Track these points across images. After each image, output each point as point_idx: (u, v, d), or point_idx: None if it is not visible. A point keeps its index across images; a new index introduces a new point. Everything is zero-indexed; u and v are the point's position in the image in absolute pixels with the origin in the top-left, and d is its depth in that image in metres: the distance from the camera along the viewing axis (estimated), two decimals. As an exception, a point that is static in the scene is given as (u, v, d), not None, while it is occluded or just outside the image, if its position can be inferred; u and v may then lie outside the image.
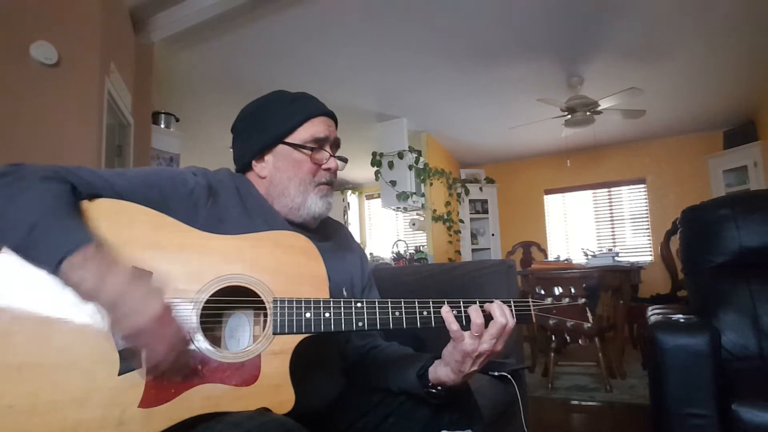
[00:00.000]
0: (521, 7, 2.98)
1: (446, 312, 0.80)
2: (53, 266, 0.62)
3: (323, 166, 0.93)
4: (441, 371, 0.84)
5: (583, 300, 0.89)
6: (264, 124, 0.93)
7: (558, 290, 0.90)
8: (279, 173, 0.92)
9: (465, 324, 0.81)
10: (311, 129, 0.92)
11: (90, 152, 2.12)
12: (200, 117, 4.53)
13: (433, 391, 0.86)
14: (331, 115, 0.97)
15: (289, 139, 0.91)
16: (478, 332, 0.79)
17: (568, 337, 0.91)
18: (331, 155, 0.94)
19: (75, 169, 0.74)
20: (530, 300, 0.88)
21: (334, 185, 0.97)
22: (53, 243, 0.63)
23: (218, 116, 4.52)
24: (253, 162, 0.94)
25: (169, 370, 0.66)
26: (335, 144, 0.96)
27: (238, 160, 0.97)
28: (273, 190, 0.92)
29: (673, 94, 4.48)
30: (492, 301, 0.82)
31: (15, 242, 0.64)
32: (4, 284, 0.65)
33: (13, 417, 0.61)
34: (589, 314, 0.88)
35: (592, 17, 3.12)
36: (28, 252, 0.64)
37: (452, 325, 0.79)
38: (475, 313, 0.80)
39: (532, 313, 0.87)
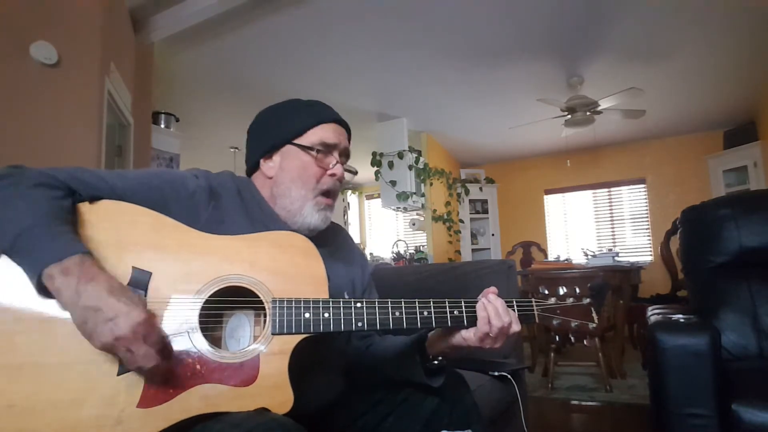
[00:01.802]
0: (521, 6, 2.98)
1: (482, 311, 0.82)
2: (36, 275, 0.62)
3: (329, 172, 0.92)
4: (439, 347, 0.88)
5: (588, 300, 0.88)
6: (275, 126, 0.94)
7: (562, 290, 0.89)
8: (284, 173, 0.92)
9: (467, 323, 0.82)
10: (321, 133, 0.92)
11: (90, 152, 2.12)
12: (200, 117, 4.52)
13: (435, 362, 0.89)
14: (344, 125, 0.97)
15: (297, 141, 0.92)
16: (494, 333, 0.82)
17: (572, 338, 0.91)
18: (338, 161, 0.94)
19: (76, 170, 0.74)
20: (533, 300, 0.88)
21: (336, 196, 0.97)
22: (36, 252, 0.63)
23: (218, 116, 4.52)
24: (261, 161, 0.94)
25: (151, 376, 0.65)
26: (344, 153, 0.96)
27: (248, 160, 0.98)
28: (276, 190, 0.92)
29: (673, 94, 4.48)
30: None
31: (2, 250, 0.64)
32: (5, 285, 0.65)
33: (14, 416, 0.61)
34: (594, 314, 0.88)
35: (592, 17, 3.12)
36: (14, 259, 0.64)
37: (484, 327, 0.82)
38: (494, 315, 0.82)
39: (535, 313, 0.87)
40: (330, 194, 0.94)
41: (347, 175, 1.08)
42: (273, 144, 0.93)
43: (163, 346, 0.65)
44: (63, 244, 0.64)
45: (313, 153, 0.91)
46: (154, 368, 0.63)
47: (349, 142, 0.98)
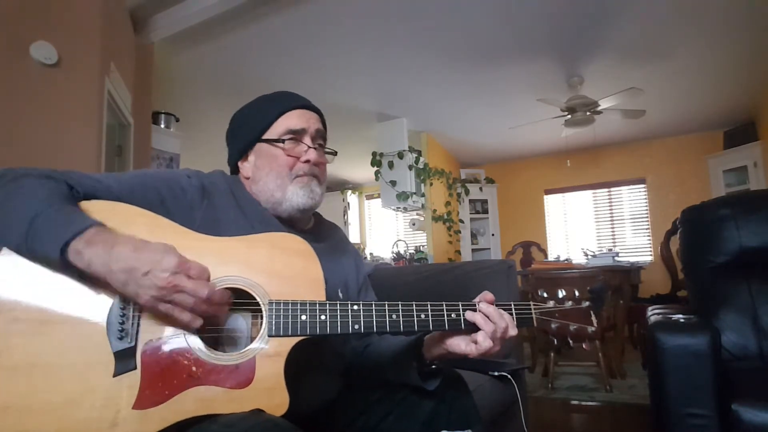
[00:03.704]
0: (521, 7, 2.98)
1: (484, 340, 0.80)
2: (58, 252, 0.62)
3: (302, 159, 0.91)
4: (436, 351, 0.87)
5: (587, 303, 0.88)
6: (244, 126, 0.95)
7: (561, 293, 0.89)
8: (258, 171, 0.92)
9: (464, 327, 0.82)
10: (285, 122, 0.92)
11: (90, 152, 2.12)
12: (200, 117, 4.53)
13: (433, 366, 0.89)
14: (311, 108, 0.96)
15: (266, 136, 0.92)
16: (492, 336, 0.80)
17: (571, 341, 0.90)
18: (310, 147, 0.92)
19: (71, 173, 0.75)
20: (531, 303, 0.88)
21: (322, 178, 0.96)
22: (56, 230, 0.63)
23: (218, 116, 4.51)
24: (239, 164, 0.96)
25: (208, 312, 0.67)
26: (318, 136, 0.95)
27: (229, 165, 1.00)
28: (255, 187, 0.93)
29: (673, 94, 4.47)
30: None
31: (17, 235, 0.64)
32: (2, 286, 0.65)
33: (10, 417, 0.61)
34: (593, 318, 0.87)
35: (592, 17, 3.11)
36: (32, 243, 0.64)
37: (486, 342, 0.80)
38: (489, 318, 0.81)
39: (534, 316, 0.87)
40: (308, 174, 0.92)
41: (329, 157, 1.03)
42: (245, 145, 0.94)
43: (208, 276, 0.67)
44: (77, 218, 0.66)
45: (282, 144, 0.91)
46: (211, 301, 0.65)
47: (323, 126, 0.97)
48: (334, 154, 0.98)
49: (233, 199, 0.90)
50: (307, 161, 0.91)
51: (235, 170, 0.98)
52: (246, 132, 0.94)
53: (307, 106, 0.96)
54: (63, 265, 0.63)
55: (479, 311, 0.81)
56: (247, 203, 0.91)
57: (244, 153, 0.95)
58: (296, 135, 0.92)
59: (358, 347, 1.03)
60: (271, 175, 0.91)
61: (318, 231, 0.99)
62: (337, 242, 1.06)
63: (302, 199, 0.91)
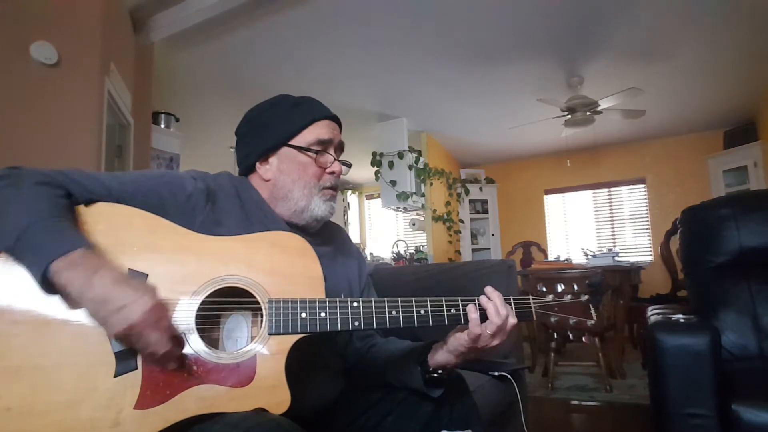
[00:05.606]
0: (521, 6, 2.98)
1: (472, 312, 0.81)
2: (41, 271, 0.61)
3: (327, 170, 0.93)
4: (441, 357, 0.87)
5: (586, 297, 0.88)
6: (269, 127, 0.94)
7: (560, 287, 0.89)
8: (283, 176, 0.92)
9: (463, 322, 0.82)
10: (316, 131, 0.92)
11: (90, 152, 2.12)
12: (200, 117, 4.53)
13: (435, 375, 0.88)
14: (336, 119, 0.97)
15: (293, 142, 0.92)
16: (493, 330, 0.81)
17: (570, 335, 0.90)
18: (335, 159, 0.94)
19: (72, 172, 0.74)
20: (530, 297, 0.88)
21: (338, 187, 0.98)
22: (41, 248, 0.62)
23: (218, 116, 4.52)
24: (257, 164, 0.94)
25: (162, 365, 0.65)
26: (339, 147, 0.97)
27: (241, 162, 0.98)
28: (277, 192, 0.92)
29: (673, 94, 4.47)
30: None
31: (5, 248, 0.64)
32: (2, 287, 0.65)
33: (12, 419, 0.61)
34: (592, 311, 0.88)
35: (592, 17, 3.11)
36: (18, 257, 0.63)
37: (475, 328, 0.81)
38: (494, 311, 0.81)
39: (533, 310, 0.87)
40: (333, 188, 0.95)
41: (344, 169, 1.08)
42: (268, 147, 0.93)
43: (173, 331, 0.66)
44: (67, 238, 0.64)
45: (311, 153, 0.91)
46: (167, 355, 0.64)
47: (340, 133, 0.98)
48: (349, 165, 0.99)
49: (238, 202, 0.89)
50: (333, 173, 0.94)
51: (247, 170, 0.97)
52: (270, 134, 0.93)
53: (333, 117, 0.97)
54: (44, 284, 0.62)
55: (487, 302, 0.82)
56: (252, 205, 0.91)
57: (265, 154, 0.93)
58: (324, 146, 0.93)
59: (363, 348, 1.02)
60: (298, 184, 0.91)
61: (322, 234, 0.99)
62: (340, 245, 1.06)
63: (322, 212, 0.93)
